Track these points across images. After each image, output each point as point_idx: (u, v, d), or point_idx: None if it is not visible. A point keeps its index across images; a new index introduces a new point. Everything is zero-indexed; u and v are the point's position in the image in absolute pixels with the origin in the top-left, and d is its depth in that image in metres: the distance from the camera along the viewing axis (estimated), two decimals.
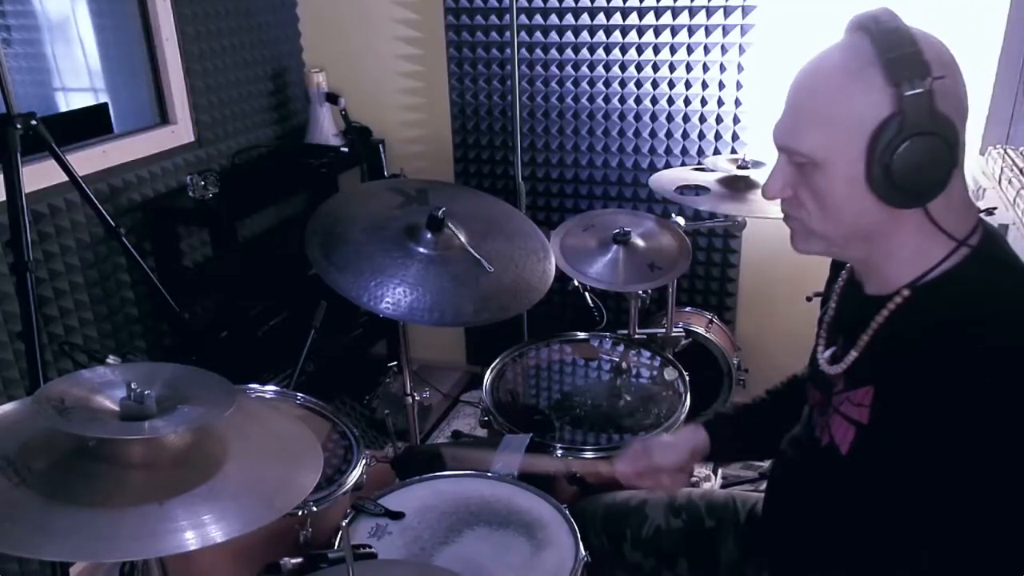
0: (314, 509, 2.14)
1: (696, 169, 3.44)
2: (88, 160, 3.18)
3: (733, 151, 3.78)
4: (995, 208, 2.62)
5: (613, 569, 2.15)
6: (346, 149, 4.09)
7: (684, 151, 3.90)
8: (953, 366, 1.35)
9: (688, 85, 3.79)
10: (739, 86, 3.72)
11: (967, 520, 1.41)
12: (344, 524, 2.02)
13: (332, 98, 4.04)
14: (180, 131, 3.67)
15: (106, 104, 3.48)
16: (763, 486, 2.21)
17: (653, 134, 3.92)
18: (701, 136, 3.85)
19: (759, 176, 3.15)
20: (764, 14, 3.61)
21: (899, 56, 1.33)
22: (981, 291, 1.42)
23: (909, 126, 1.33)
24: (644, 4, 3.74)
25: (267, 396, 2.48)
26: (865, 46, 1.37)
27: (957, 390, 1.34)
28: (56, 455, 1.54)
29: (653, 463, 2.03)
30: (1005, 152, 3.01)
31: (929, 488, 1.43)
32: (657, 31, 3.75)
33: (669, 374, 2.88)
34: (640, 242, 2.98)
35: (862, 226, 1.46)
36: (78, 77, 3.47)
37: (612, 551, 2.12)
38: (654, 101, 3.86)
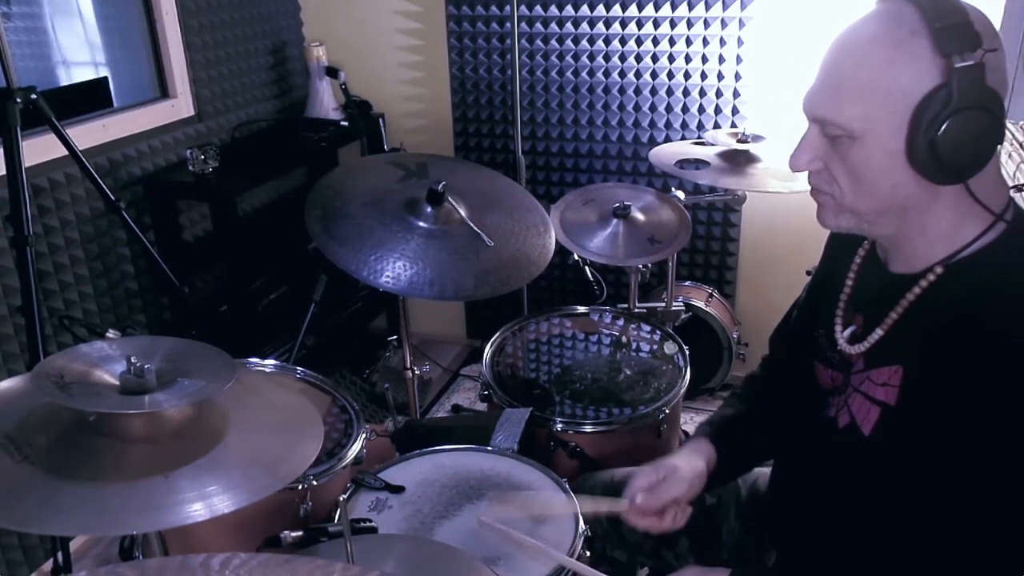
0: (314, 483, 2.15)
1: (696, 143, 3.43)
2: (88, 134, 3.17)
3: (733, 125, 3.78)
4: None
5: (613, 549, 2.15)
6: (346, 123, 4.08)
7: (684, 125, 3.90)
8: (989, 347, 1.34)
9: (688, 59, 3.78)
10: (739, 60, 3.71)
11: (988, 507, 1.40)
12: (342, 499, 2.03)
13: (332, 72, 4.03)
14: (180, 105, 3.66)
15: (106, 78, 3.47)
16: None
17: (653, 108, 3.91)
18: (701, 110, 3.85)
19: (759, 150, 3.14)
20: None
21: (949, 26, 1.28)
22: (1018, 269, 1.40)
23: (959, 99, 1.28)
24: None
25: (267, 370, 2.48)
26: (910, 14, 1.32)
27: (993, 372, 1.33)
28: (57, 431, 1.55)
29: (669, 496, 1.80)
30: None
31: (954, 472, 1.41)
32: (657, 4, 3.73)
33: (669, 348, 2.88)
34: (640, 216, 2.98)
35: (897, 201, 1.42)
36: (78, 51, 3.46)
37: (611, 531, 2.11)
38: (654, 75, 3.86)
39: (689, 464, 1.83)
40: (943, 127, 1.30)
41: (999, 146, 1.39)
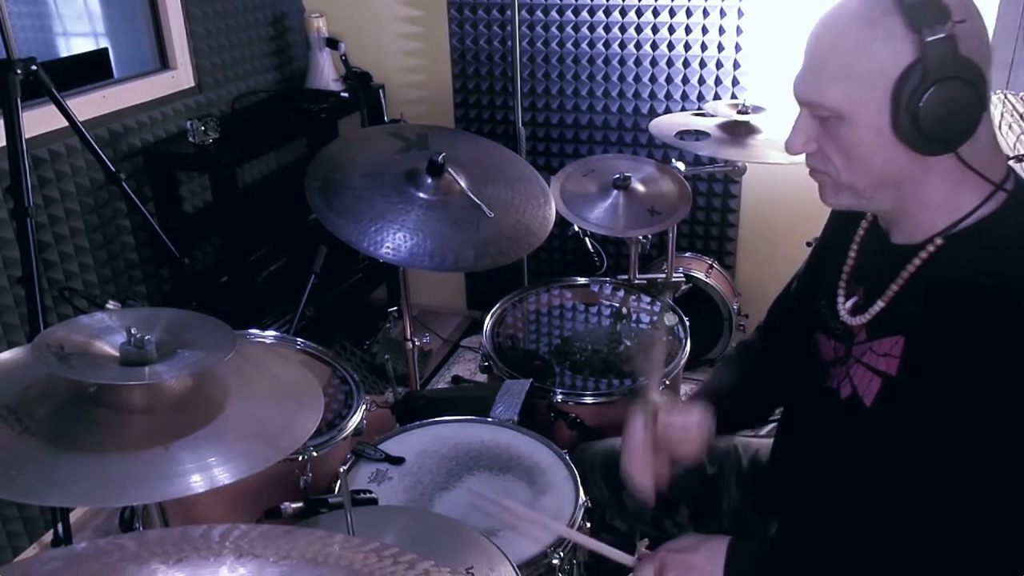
0: (314, 454, 2.16)
1: (696, 114, 3.42)
2: (88, 105, 3.17)
3: (733, 96, 3.77)
4: None
5: (613, 518, 2.15)
6: (346, 94, 4.08)
7: (684, 96, 3.89)
8: (991, 318, 1.35)
9: (688, 29, 3.77)
10: (739, 31, 3.70)
11: (989, 476, 1.41)
12: (343, 470, 2.04)
13: (332, 43, 4.02)
14: (180, 76, 3.65)
15: (106, 49, 3.46)
16: (763, 431, 2.20)
17: (653, 79, 3.90)
18: (701, 81, 3.84)
19: (759, 121, 3.13)
20: None
21: (918, 2, 1.31)
22: (1019, 240, 1.41)
23: (933, 72, 1.31)
24: None
25: (267, 341, 2.49)
26: None
27: (994, 343, 1.34)
28: (57, 402, 1.55)
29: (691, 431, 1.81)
30: (1005, 97, 2.99)
31: (955, 441, 1.42)
32: None
33: (669, 319, 2.88)
34: (640, 187, 2.98)
35: (891, 175, 1.44)
36: (78, 22, 3.45)
37: (612, 499, 2.12)
38: (654, 46, 3.84)
39: (702, 416, 1.82)
40: (922, 100, 1.32)
41: (989, 117, 1.41)
